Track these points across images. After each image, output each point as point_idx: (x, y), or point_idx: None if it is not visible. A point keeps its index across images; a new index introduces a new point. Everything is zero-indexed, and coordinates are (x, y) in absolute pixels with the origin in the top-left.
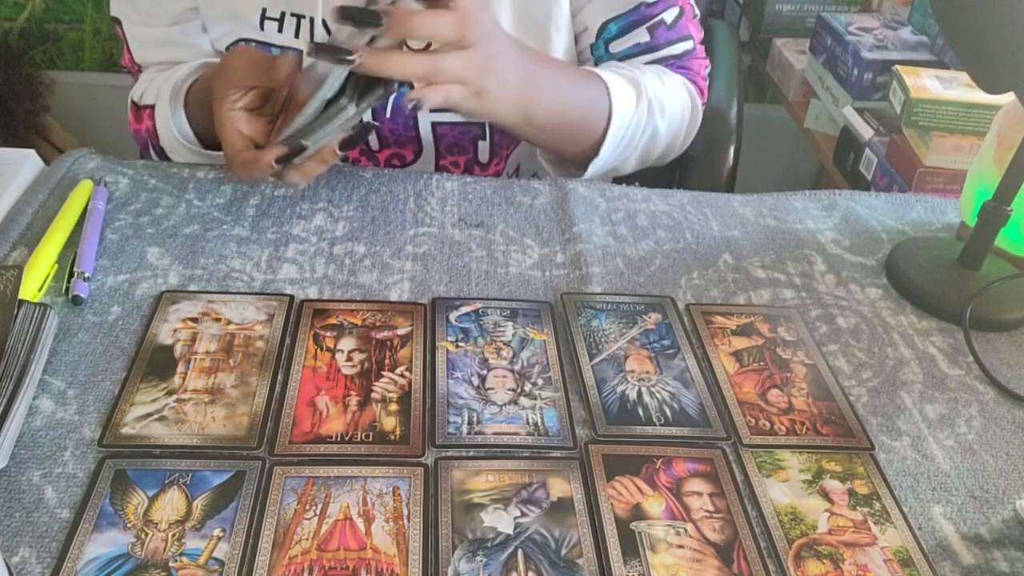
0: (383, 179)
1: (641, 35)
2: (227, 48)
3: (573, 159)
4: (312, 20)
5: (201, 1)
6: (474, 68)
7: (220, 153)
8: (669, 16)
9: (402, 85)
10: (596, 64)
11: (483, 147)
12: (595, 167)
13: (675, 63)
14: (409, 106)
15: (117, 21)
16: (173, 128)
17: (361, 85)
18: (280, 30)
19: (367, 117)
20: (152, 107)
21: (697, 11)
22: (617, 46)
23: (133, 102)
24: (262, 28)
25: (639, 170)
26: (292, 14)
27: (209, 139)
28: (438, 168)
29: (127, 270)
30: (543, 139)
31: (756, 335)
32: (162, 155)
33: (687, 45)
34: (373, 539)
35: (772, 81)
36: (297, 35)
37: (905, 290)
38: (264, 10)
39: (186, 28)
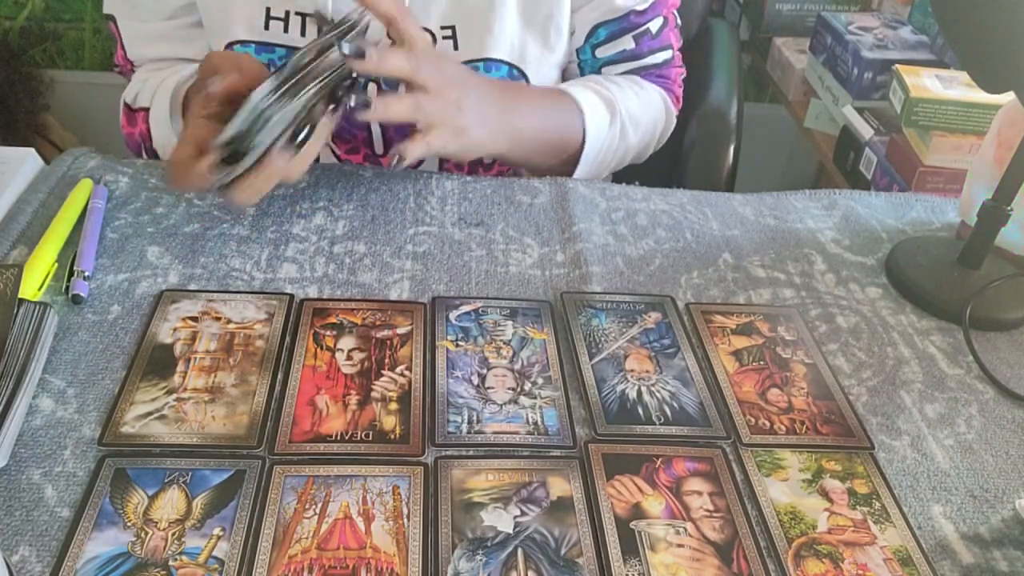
0: (383, 178)
1: (627, 42)
2: (224, 49)
3: (549, 174)
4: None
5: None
6: (449, 108)
7: None
8: (655, 25)
9: (358, 96)
10: (580, 66)
11: None
12: (576, 176)
13: (654, 72)
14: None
15: (110, 18)
16: (174, 137)
17: (301, 86)
18: (286, 30)
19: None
20: (146, 110)
21: (679, 20)
22: (603, 51)
23: (126, 104)
24: (267, 28)
25: (639, 168)
26: (297, 13)
27: None
28: (441, 170)
29: (127, 269)
30: (524, 163)
31: (756, 334)
32: (155, 158)
33: (667, 54)
34: (373, 538)
35: (772, 81)
36: (303, 34)
37: (905, 289)
38: (268, 9)
39: (182, 23)
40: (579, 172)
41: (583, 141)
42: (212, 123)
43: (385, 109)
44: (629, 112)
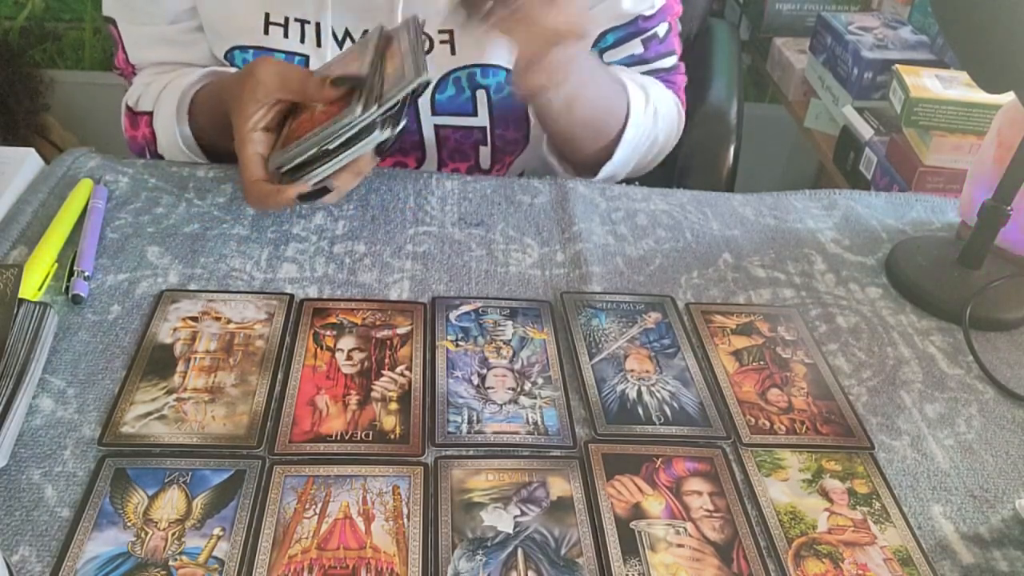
0: (383, 178)
1: (635, 47)
2: (225, 54)
3: (585, 161)
4: (319, 25)
5: (200, 2)
6: (544, 10)
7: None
8: (662, 30)
9: (417, 96)
10: None
11: (484, 152)
12: (607, 170)
13: (662, 76)
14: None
15: (110, 21)
16: (179, 141)
17: (378, 103)
18: (286, 35)
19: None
20: (149, 114)
21: (679, 27)
22: (612, 56)
23: (128, 108)
24: (266, 33)
25: (653, 165)
26: (296, 19)
27: (215, 149)
28: (441, 170)
29: (127, 269)
30: (573, 132)
31: (756, 334)
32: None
33: (673, 60)
34: (373, 538)
35: (772, 81)
36: (303, 40)
37: (905, 289)
38: (267, 15)
39: (184, 27)
40: (618, 154)
41: (626, 120)
42: (268, 135)
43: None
44: (658, 101)
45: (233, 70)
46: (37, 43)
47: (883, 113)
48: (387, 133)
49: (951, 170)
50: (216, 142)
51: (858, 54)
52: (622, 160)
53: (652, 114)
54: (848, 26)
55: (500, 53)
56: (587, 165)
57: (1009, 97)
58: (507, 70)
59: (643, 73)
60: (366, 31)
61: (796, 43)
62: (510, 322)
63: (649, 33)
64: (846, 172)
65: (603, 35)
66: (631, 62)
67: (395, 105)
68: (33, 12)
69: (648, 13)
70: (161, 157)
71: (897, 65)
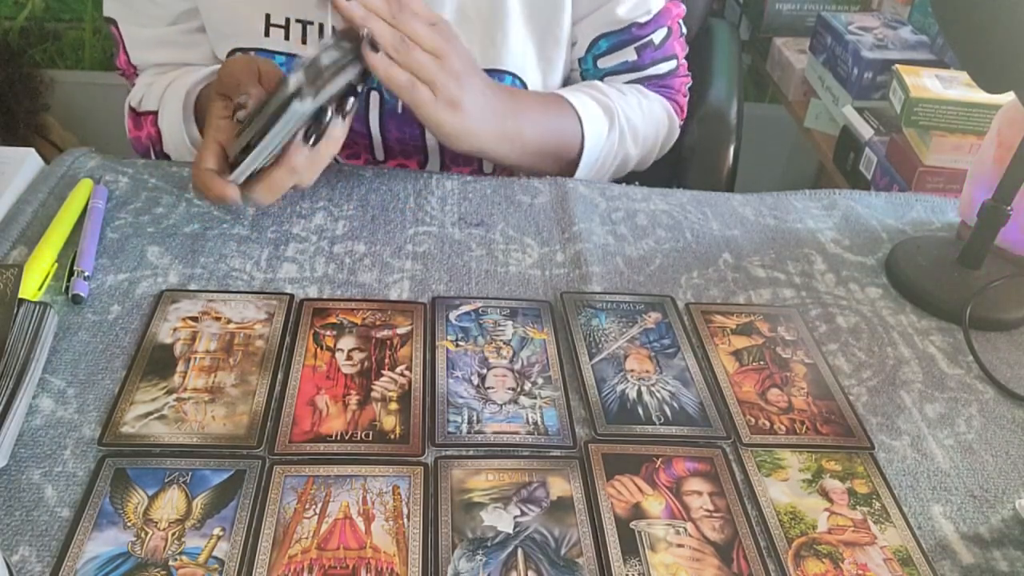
0: (383, 178)
1: (629, 54)
2: (227, 56)
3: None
4: (321, 27)
5: (201, 4)
6: (447, 72)
7: None
8: (658, 37)
9: (366, 81)
10: (582, 75)
11: None
12: (577, 177)
13: (657, 82)
14: (361, 87)
15: (111, 21)
16: (187, 140)
17: (321, 82)
18: (287, 37)
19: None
20: (154, 113)
21: (684, 29)
22: (605, 62)
23: (131, 108)
24: (267, 34)
25: (639, 169)
26: (297, 20)
27: None
28: (442, 170)
29: (127, 269)
30: (524, 167)
31: (756, 334)
32: (165, 159)
33: (671, 65)
34: (373, 538)
35: (772, 81)
36: (304, 41)
37: (905, 289)
38: (268, 16)
39: (186, 28)
40: (578, 175)
41: (581, 148)
42: (231, 124)
43: (387, 67)
44: (629, 120)
45: None
46: (37, 43)
47: (883, 113)
48: (307, 105)
49: (951, 170)
50: None
51: (858, 54)
52: (587, 175)
53: (617, 136)
54: (848, 26)
55: (503, 57)
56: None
57: (1009, 97)
58: (513, 75)
59: (636, 80)
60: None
61: (796, 43)
62: (510, 322)
63: (644, 41)
64: (846, 172)
65: (596, 41)
66: (624, 69)
67: (335, 89)
68: (33, 12)
69: (643, 20)
70: (167, 156)
71: (897, 65)
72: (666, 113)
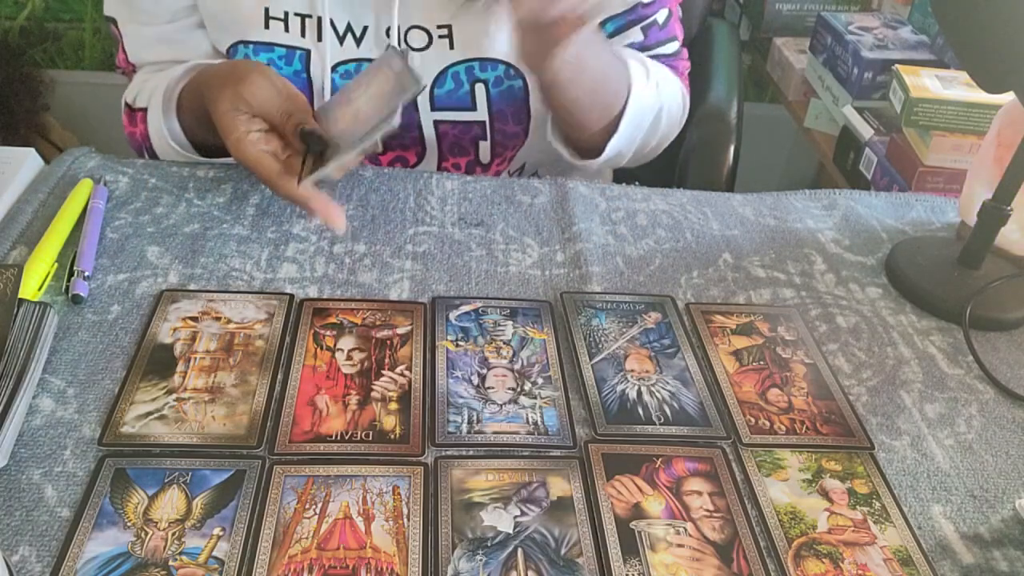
0: (383, 178)
1: (635, 34)
2: (228, 50)
3: (591, 139)
4: (320, 20)
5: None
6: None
7: (217, 160)
8: (661, 16)
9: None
10: None
11: (484, 147)
12: (613, 145)
13: (665, 60)
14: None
15: (112, 20)
16: (166, 134)
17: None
18: (287, 30)
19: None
20: (146, 110)
21: (680, 12)
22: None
23: (127, 104)
24: (267, 27)
25: (639, 168)
26: (296, 14)
27: (202, 144)
28: (440, 171)
29: (127, 269)
30: (580, 103)
31: (756, 334)
32: (155, 158)
33: (675, 46)
34: (373, 538)
35: (772, 80)
36: (303, 34)
37: (905, 289)
38: (267, 9)
39: (183, 25)
40: (623, 127)
41: (628, 94)
42: (270, 135)
43: None
44: (659, 76)
45: (216, 62)
46: (37, 43)
47: (883, 113)
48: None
49: (951, 170)
50: (206, 139)
51: (858, 54)
52: (627, 135)
53: (655, 85)
54: (848, 26)
55: (498, 47)
56: (593, 143)
57: (1009, 97)
58: (506, 63)
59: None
60: (366, 27)
61: (796, 43)
62: (510, 322)
63: (648, 20)
64: (846, 172)
65: (602, 23)
66: (631, 49)
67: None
68: (33, 12)
69: (647, 0)
70: (157, 155)
71: (897, 65)
72: (679, 86)
